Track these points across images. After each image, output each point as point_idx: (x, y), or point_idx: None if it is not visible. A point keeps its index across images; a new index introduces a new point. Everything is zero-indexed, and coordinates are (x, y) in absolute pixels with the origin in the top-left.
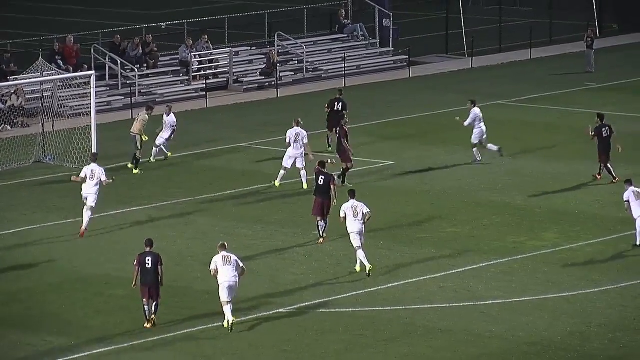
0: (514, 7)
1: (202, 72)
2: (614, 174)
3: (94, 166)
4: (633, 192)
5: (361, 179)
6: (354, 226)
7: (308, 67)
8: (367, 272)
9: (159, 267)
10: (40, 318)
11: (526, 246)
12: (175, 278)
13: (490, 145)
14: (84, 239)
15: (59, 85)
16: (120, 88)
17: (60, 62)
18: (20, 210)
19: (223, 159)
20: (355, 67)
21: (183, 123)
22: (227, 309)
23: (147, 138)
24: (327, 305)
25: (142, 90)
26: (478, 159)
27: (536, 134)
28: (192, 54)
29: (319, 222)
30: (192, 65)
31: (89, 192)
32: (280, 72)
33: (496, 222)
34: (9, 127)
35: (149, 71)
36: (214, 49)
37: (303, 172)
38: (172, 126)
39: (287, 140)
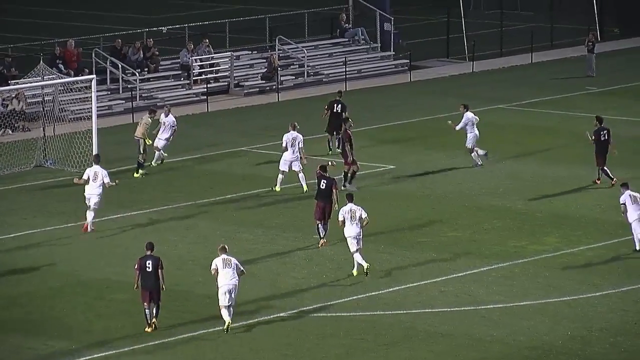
0: (515, 11)
1: (203, 76)
2: (611, 175)
3: (96, 168)
4: (630, 195)
5: (362, 183)
6: (351, 230)
7: (309, 71)
8: (365, 270)
9: (160, 270)
10: (41, 322)
11: (527, 250)
12: (176, 282)
13: (474, 155)
14: (85, 243)
15: (60, 90)
16: (121, 92)
17: (61, 66)
18: (21, 215)
19: (224, 163)
20: (356, 71)
21: (184, 127)
22: (225, 312)
23: (150, 142)
24: (328, 309)
25: (143, 95)
26: (479, 163)
27: (537, 138)
28: (193, 58)
29: (319, 225)
30: (193, 70)
31: (92, 193)
32: (281, 76)
33: (497, 226)
34: (10, 131)
35: (149, 75)
36: (215, 53)
37: (301, 175)
38: (172, 126)
39: (284, 145)
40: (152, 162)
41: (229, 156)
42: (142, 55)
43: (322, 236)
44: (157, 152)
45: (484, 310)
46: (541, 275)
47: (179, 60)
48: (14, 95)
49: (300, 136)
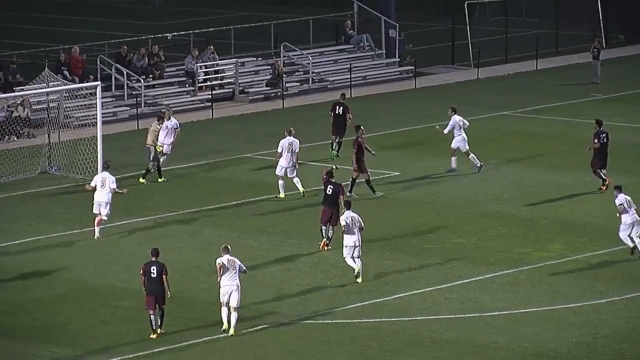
0: (520, 17)
1: (208, 83)
2: (604, 180)
3: (105, 174)
4: (626, 199)
5: (366, 189)
6: (350, 239)
7: (314, 78)
8: (355, 274)
9: (164, 276)
10: (46, 328)
11: (532, 257)
12: (181, 289)
13: (472, 157)
14: (90, 249)
15: (65, 96)
16: (126, 99)
17: (66, 72)
18: (26, 221)
19: (229, 169)
20: (361, 78)
21: (189, 134)
22: (224, 312)
23: (161, 148)
24: (332, 316)
25: (148, 101)
26: (478, 164)
27: (542, 144)
28: (198, 64)
29: (323, 227)
30: (198, 76)
31: (101, 200)
32: (286, 82)
33: (502, 232)
34: (15, 138)
35: (154, 82)
36: (219, 59)
37: (296, 179)
38: (175, 129)
39: (280, 150)
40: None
41: (234, 163)
42: (147, 62)
43: (324, 236)
44: (161, 158)
45: (489, 317)
46: (546, 282)
47: (184, 66)
48: (19, 102)
49: (297, 141)
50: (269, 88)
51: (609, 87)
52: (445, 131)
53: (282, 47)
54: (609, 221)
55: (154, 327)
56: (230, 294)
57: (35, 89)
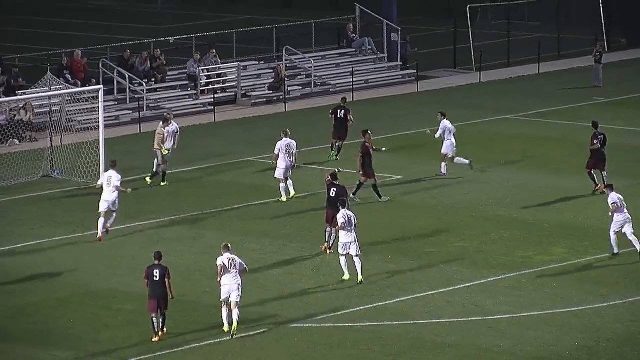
0: (522, 21)
1: (210, 87)
2: (596, 181)
3: (111, 172)
4: (619, 198)
5: (369, 193)
6: (346, 236)
7: (316, 82)
8: (343, 279)
9: (167, 279)
10: (48, 332)
11: (534, 261)
12: (183, 292)
13: (457, 160)
14: (92, 253)
15: (67, 100)
16: (128, 102)
17: (68, 76)
18: (28, 225)
19: (231, 173)
20: (363, 82)
21: (191, 137)
22: (225, 313)
23: (167, 151)
24: (335, 319)
25: (150, 105)
26: (467, 162)
27: (544, 148)
28: (200, 68)
29: (328, 227)
30: (200, 80)
31: (109, 198)
32: (288, 86)
33: (504, 236)
34: (17, 142)
35: (157, 85)
36: (222, 63)
37: (289, 182)
38: (175, 132)
39: (276, 152)
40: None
41: (236, 166)
42: (149, 66)
43: (327, 240)
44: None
45: (491, 321)
46: (548, 285)
47: (186, 70)
48: (21, 106)
49: (294, 142)
50: (271, 92)
51: (611, 91)
52: (437, 135)
53: (284, 51)
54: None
55: (156, 330)
56: (231, 293)
57: (38, 93)
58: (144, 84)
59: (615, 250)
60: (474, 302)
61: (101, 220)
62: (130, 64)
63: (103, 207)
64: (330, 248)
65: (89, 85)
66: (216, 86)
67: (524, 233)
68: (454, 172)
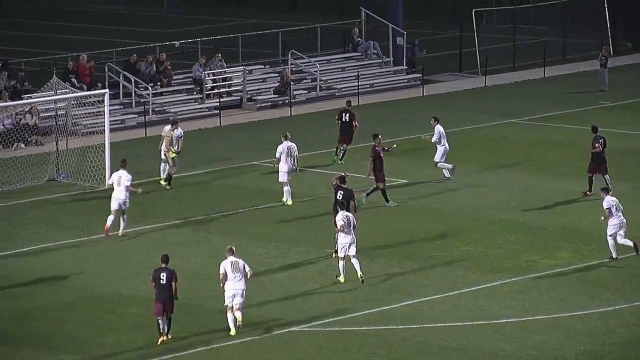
0: (527, 25)
1: (216, 91)
2: (592, 187)
3: (121, 172)
4: (613, 202)
5: (375, 197)
6: (346, 238)
7: (321, 86)
8: (337, 279)
9: (173, 283)
10: (53, 336)
11: (540, 265)
12: (189, 296)
13: (441, 165)
14: (98, 257)
15: (72, 104)
16: (134, 106)
17: (74, 80)
18: (33, 229)
19: (236, 177)
20: (368, 86)
21: (196, 141)
22: (230, 317)
23: (174, 154)
24: (340, 323)
25: (155, 109)
26: (447, 176)
27: (549, 152)
28: (206, 72)
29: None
30: (206, 84)
31: (119, 197)
32: (293, 90)
33: (510, 240)
34: (22, 145)
35: (162, 89)
36: (227, 67)
37: (287, 188)
38: (180, 137)
39: (278, 156)
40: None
41: (242, 170)
42: (154, 70)
43: (335, 249)
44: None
45: (497, 325)
46: (554, 289)
47: (192, 74)
48: (27, 110)
49: (294, 145)
50: (276, 96)
51: (616, 95)
52: (434, 140)
53: (289, 55)
54: None
55: (161, 332)
56: (234, 297)
57: (44, 97)
58: (150, 88)
59: (614, 255)
60: (480, 306)
61: (111, 217)
62: (138, 67)
63: (114, 205)
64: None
65: (95, 89)
66: (222, 90)
67: (529, 237)
68: (459, 176)
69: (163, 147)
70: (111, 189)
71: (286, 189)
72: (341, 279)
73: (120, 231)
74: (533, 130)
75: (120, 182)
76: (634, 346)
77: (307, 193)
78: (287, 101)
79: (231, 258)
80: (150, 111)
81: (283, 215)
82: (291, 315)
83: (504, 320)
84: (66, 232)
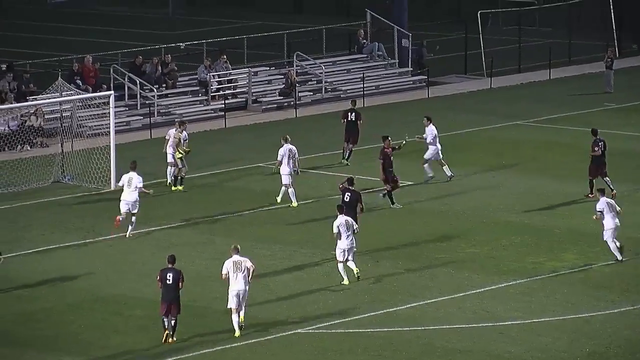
0: (533, 27)
1: (221, 92)
2: (593, 190)
3: (132, 174)
4: (607, 203)
5: (380, 199)
6: (345, 243)
7: (327, 87)
8: (341, 283)
9: (180, 283)
10: (57, 338)
11: (545, 267)
12: (194, 298)
13: (426, 166)
14: (102, 259)
15: (78, 105)
16: (139, 108)
17: (79, 82)
18: (38, 230)
19: (241, 179)
20: (374, 87)
21: (201, 143)
22: (235, 318)
23: (180, 154)
24: (345, 325)
25: (161, 111)
26: (430, 175)
27: (555, 154)
28: (211, 74)
29: None
30: (211, 85)
31: (129, 199)
32: (299, 92)
33: (515, 242)
34: (28, 147)
35: (167, 91)
36: (232, 69)
37: (284, 189)
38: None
39: (280, 158)
40: (168, 179)
41: (247, 172)
42: (160, 71)
43: None
44: (170, 168)
45: (502, 327)
46: (559, 291)
47: (197, 76)
48: (32, 112)
49: (295, 148)
50: (281, 97)
51: (622, 97)
52: (428, 140)
53: (295, 57)
54: (622, 231)
55: (166, 327)
56: (237, 297)
57: (49, 99)
58: (155, 90)
59: (618, 256)
60: (485, 308)
61: (120, 217)
62: (144, 69)
63: (124, 208)
64: None
65: (100, 91)
66: (227, 92)
67: (534, 239)
68: (464, 178)
69: (170, 150)
70: (117, 190)
71: (290, 190)
72: (345, 282)
73: (127, 233)
74: (538, 132)
75: (130, 183)
76: (639, 349)
77: (313, 195)
78: (292, 103)
79: (235, 257)
80: (156, 113)
81: (288, 217)
82: (296, 317)
83: (510, 323)
84: (71, 233)
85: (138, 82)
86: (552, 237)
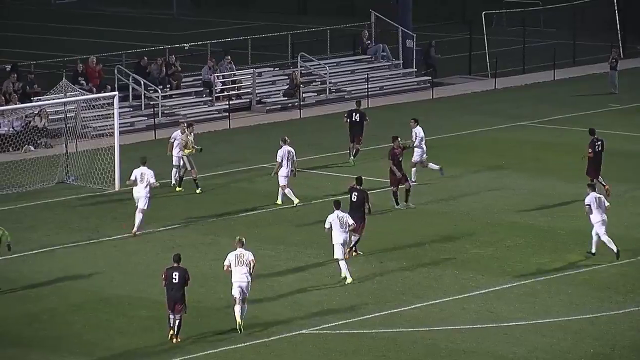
0: (537, 28)
1: (225, 93)
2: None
3: (143, 169)
4: (595, 198)
5: (382, 200)
6: (339, 237)
7: (331, 88)
8: (345, 283)
9: (186, 281)
10: (62, 338)
11: (549, 267)
12: (198, 299)
13: (431, 164)
14: (107, 260)
15: (82, 106)
16: (143, 109)
17: (83, 82)
18: (43, 231)
19: (245, 180)
20: (378, 88)
21: (206, 144)
22: (237, 309)
23: (186, 153)
24: (350, 326)
25: (165, 111)
26: (413, 180)
27: (559, 155)
28: (215, 74)
29: (353, 237)
30: (215, 86)
31: (140, 194)
32: (303, 93)
33: (519, 243)
34: (32, 148)
35: (172, 92)
36: (237, 69)
37: (282, 190)
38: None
39: (279, 160)
40: (173, 180)
41: (250, 173)
42: (164, 72)
43: (351, 247)
44: (174, 169)
45: (506, 328)
46: (564, 292)
47: (201, 76)
48: (36, 112)
49: (293, 149)
50: (286, 98)
51: (626, 98)
52: (416, 143)
53: (299, 58)
54: (627, 232)
55: (171, 326)
56: (238, 290)
57: (53, 99)
58: (159, 91)
59: (614, 249)
60: (489, 308)
61: (139, 215)
62: (149, 70)
63: (137, 202)
64: (356, 251)
65: (104, 92)
66: (231, 93)
67: (539, 239)
68: (469, 178)
69: (175, 152)
70: (121, 191)
71: (287, 190)
72: (348, 279)
73: (134, 229)
74: (543, 133)
75: (143, 178)
76: None
77: (317, 195)
78: (296, 104)
79: (238, 250)
80: (160, 113)
81: (292, 217)
82: (300, 318)
83: (514, 323)
84: (75, 234)
85: (142, 82)
86: (557, 238)
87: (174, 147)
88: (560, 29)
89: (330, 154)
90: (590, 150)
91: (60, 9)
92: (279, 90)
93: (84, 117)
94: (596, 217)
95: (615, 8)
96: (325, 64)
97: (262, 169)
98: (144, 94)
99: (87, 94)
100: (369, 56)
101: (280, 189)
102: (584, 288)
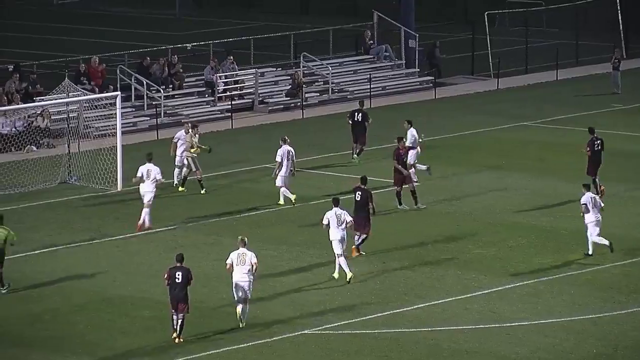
0: (540, 28)
1: (228, 93)
2: (597, 188)
3: (149, 165)
4: (591, 198)
5: (385, 200)
6: (336, 234)
7: (334, 88)
8: (347, 280)
9: (189, 281)
10: (64, 338)
11: (552, 267)
12: (201, 299)
13: (418, 165)
14: (109, 260)
15: (84, 106)
16: (145, 109)
17: (85, 82)
18: (45, 231)
19: (248, 180)
20: (380, 88)
21: (208, 144)
22: (239, 309)
23: (192, 152)
24: (352, 326)
25: (167, 111)
26: (426, 170)
27: (561, 155)
28: (218, 74)
29: (356, 236)
30: (218, 86)
31: (146, 190)
32: (305, 93)
33: (522, 243)
34: (34, 148)
35: (174, 92)
36: (239, 69)
37: (283, 189)
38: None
39: (279, 160)
40: (175, 181)
41: (253, 173)
42: (166, 72)
43: (356, 245)
44: (176, 170)
45: (509, 328)
46: (566, 292)
47: (204, 77)
48: (38, 112)
49: (292, 149)
50: (288, 98)
51: (629, 98)
52: (408, 144)
53: (301, 58)
54: (629, 232)
55: (174, 327)
56: (239, 289)
57: (55, 99)
58: (162, 91)
59: (607, 243)
60: (492, 309)
61: (145, 210)
62: (151, 71)
63: (143, 198)
64: (359, 251)
65: (107, 92)
66: (233, 93)
67: (541, 240)
68: (471, 179)
69: (179, 152)
70: (123, 192)
71: (283, 189)
72: (349, 277)
73: (147, 224)
74: (545, 133)
75: (149, 175)
76: None
77: (319, 196)
78: (299, 104)
79: (240, 250)
80: (162, 114)
81: (295, 218)
82: (303, 318)
83: (516, 323)
84: (78, 234)
85: (145, 82)
86: (559, 238)
87: (178, 148)
88: (563, 29)
89: (333, 154)
90: (588, 149)
91: (61, 9)
92: (282, 91)
93: (86, 117)
94: (590, 217)
95: (618, 8)
96: (327, 64)
97: (264, 169)
98: (147, 94)
99: (89, 94)
100: (372, 56)
101: (279, 188)
102: (587, 288)
